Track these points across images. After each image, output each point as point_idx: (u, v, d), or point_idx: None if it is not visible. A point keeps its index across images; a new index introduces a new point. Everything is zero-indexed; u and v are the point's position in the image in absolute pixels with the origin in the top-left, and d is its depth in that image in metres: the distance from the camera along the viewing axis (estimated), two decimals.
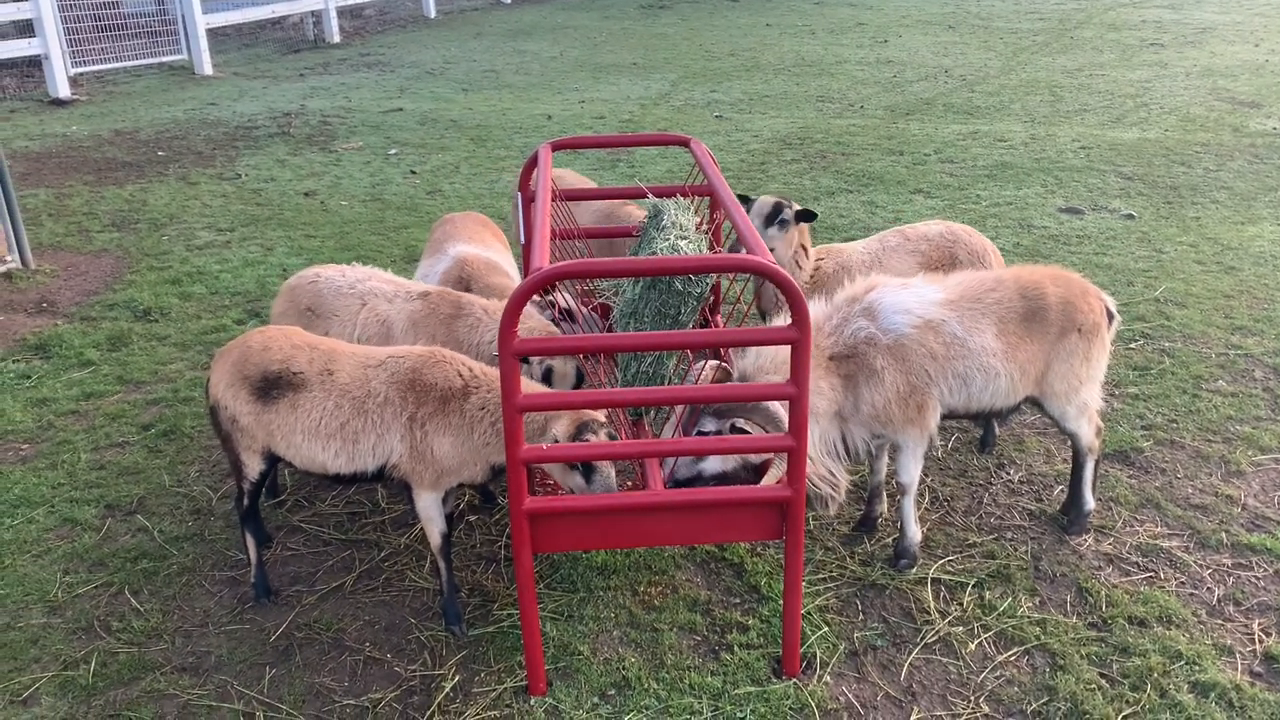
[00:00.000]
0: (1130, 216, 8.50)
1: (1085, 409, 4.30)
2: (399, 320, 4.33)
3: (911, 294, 4.13)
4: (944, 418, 4.25)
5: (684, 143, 5.32)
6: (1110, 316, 4.29)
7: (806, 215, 4.94)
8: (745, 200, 4.96)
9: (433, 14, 21.13)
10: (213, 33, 16.06)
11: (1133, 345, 6.19)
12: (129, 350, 6.38)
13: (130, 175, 10.22)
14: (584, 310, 4.63)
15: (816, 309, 4.18)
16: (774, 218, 4.88)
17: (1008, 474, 4.99)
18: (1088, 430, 4.35)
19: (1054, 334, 4.13)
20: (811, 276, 5.05)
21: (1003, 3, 22.34)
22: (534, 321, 4.12)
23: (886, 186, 9.52)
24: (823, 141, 11.21)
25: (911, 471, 4.20)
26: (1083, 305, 4.18)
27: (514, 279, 5.07)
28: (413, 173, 10.27)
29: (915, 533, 4.31)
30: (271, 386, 3.74)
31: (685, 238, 4.33)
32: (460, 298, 4.39)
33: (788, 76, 14.90)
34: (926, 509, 4.69)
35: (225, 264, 7.77)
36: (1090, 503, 4.50)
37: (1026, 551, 4.38)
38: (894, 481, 4.34)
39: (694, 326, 4.21)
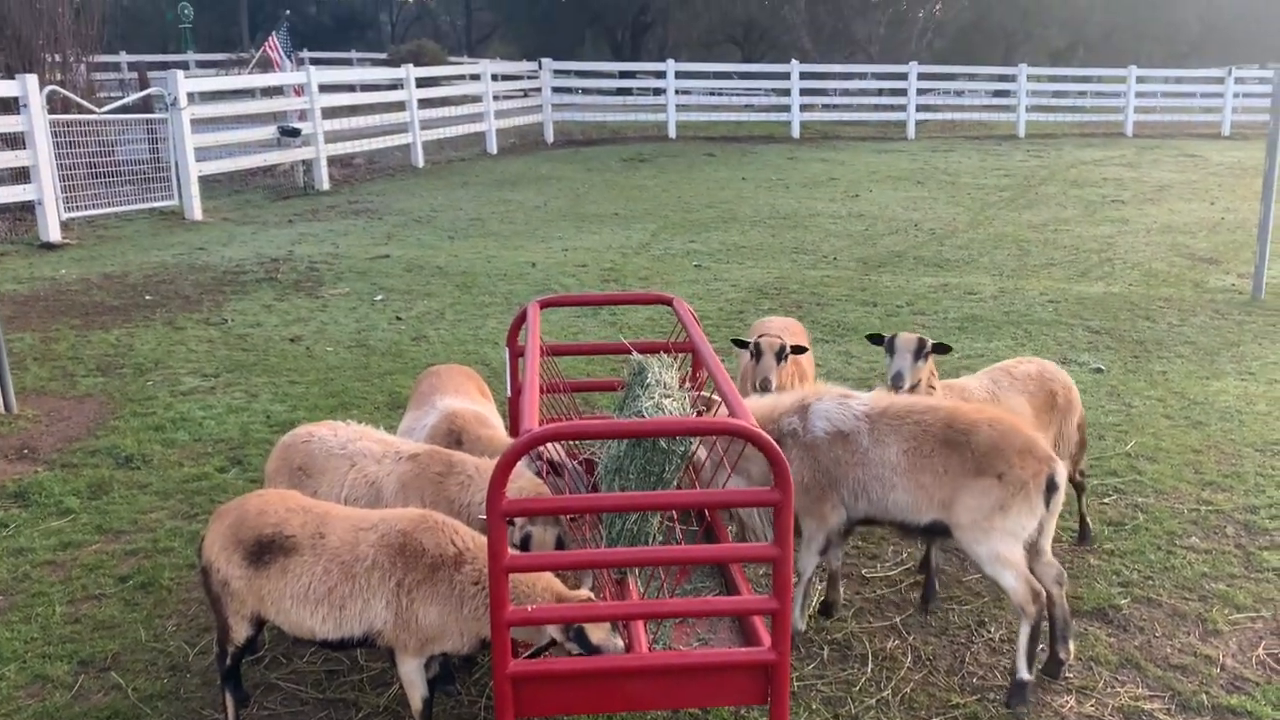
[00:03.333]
0: (1099, 370, 8.73)
1: (1001, 560, 4.36)
2: (389, 482, 4.37)
3: (838, 405, 4.67)
4: (864, 523, 4.82)
5: (667, 301, 5.51)
6: (1051, 487, 4.39)
7: (941, 349, 5.38)
8: (878, 339, 5.47)
9: (421, 164, 21.81)
10: (204, 179, 16.48)
11: (1106, 500, 6.29)
12: (109, 499, 6.36)
13: (117, 319, 10.35)
14: (570, 464, 4.70)
15: (767, 400, 4.87)
16: (920, 352, 5.28)
17: (989, 631, 5.00)
18: (1013, 585, 4.36)
19: (970, 470, 4.39)
20: None
21: (968, 159, 23.33)
22: (524, 481, 4.17)
23: (860, 338, 9.76)
24: (798, 292, 11.54)
25: (804, 561, 4.70)
26: (1013, 457, 4.37)
27: (504, 433, 5.15)
28: (398, 319, 10.45)
29: (799, 623, 4.76)
30: (264, 551, 3.76)
31: (669, 396, 4.46)
32: (451, 456, 4.45)
33: (763, 228, 15.40)
34: (909, 669, 4.69)
35: (209, 410, 7.82)
36: (1023, 673, 4.39)
37: (1010, 713, 4.36)
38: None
39: (677, 484, 4.28)
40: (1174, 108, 32.34)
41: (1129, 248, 13.87)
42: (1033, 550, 4.49)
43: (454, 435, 4.94)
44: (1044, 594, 4.40)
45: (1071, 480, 5.75)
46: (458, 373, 5.75)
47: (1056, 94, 31.29)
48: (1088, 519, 5.80)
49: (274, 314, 10.59)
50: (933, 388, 5.37)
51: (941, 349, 5.38)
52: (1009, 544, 4.37)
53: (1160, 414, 7.71)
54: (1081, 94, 31.44)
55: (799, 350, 5.79)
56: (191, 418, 7.68)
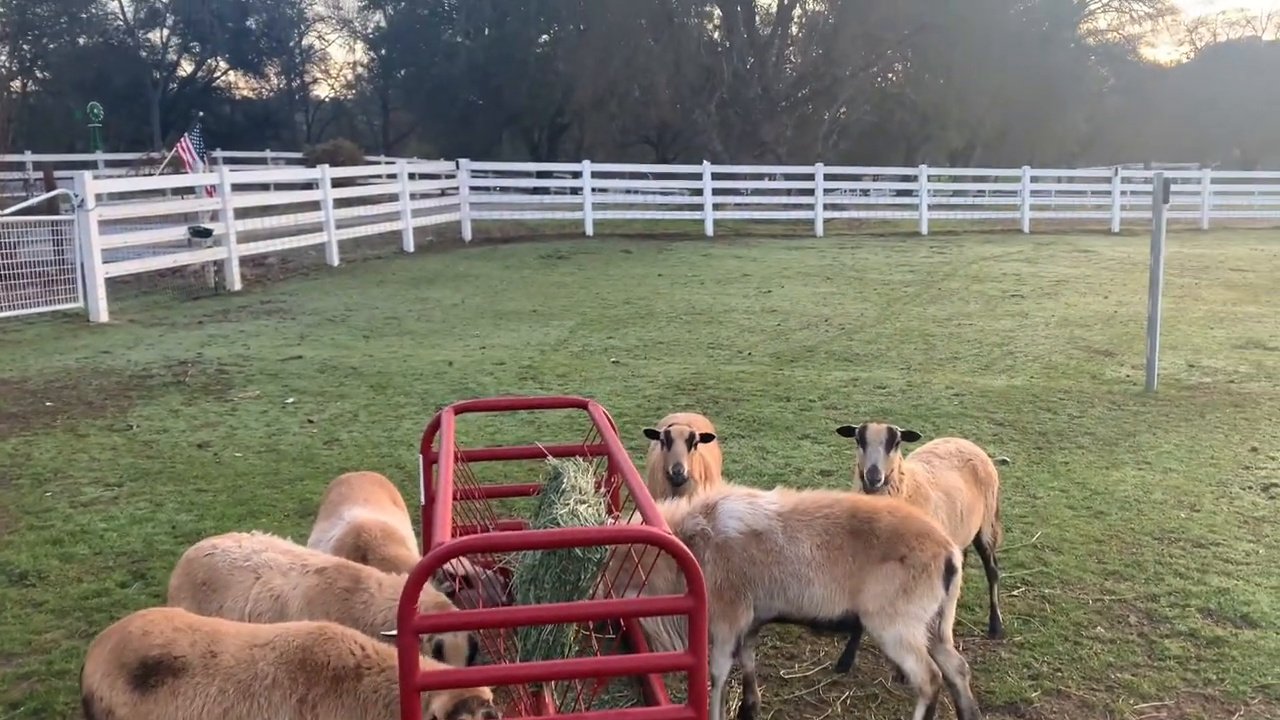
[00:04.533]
0: (1005, 462, 8.97)
1: (904, 644, 4.51)
2: (294, 596, 4.27)
3: (748, 505, 4.73)
4: (779, 621, 4.86)
5: (582, 405, 5.55)
6: (950, 569, 4.58)
7: (910, 436, 5.51)
8: (848, 431, 5.59)
9: (336, 262, 21.70)
10: (111, 281, 16.16)
11: (1015, 593, 6.42)
12: (0, 619, 6.07)
13: (15, 427, 9.99)
14: (485, 573, 4.65)
15: (666, 506, 4.77)
16: (891, 442, 5.34)
17: None
18: (914, 668, 4.52)
19: (876, 556, 4.55)
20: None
21: (875, 256, 24.10)
22: (428, 599, 4.11)
23: (776, 432, 9.90)
24: (715, 387, 11.69)
25: (719, 665, 4.65)
26: (913, 541, 4.56)
27: (411, 547, 5.08)
28: (310, 422, 10.28)
29: None
30: (151, 674, 3.63)
31: (585, 501, 4.45)
32: (360, 572, 4.37)
33: (680, 324, 15.63)
34: None
35: (111, 522, 7.55)
36: None
37: None
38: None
39: (593, 592, 4.26)
40: (1067, 205, 34.01)
41: (1029, 341, 14.40)
42: (935, 638, 4.60)
43: (360, 550, 4.85)
44: (940, 674, 4.54)
45: (987, 562, 5.94)
46: (369, 480, 5.67)
47: (956, 193, 32.73)
48: (998, 611, 5.91)
49: (181, 419, 10.34)
50: (903, 474, 5.45)
51: (910, 436, 5.52)
52: (912, 627, 4.53)
53: (1064, 504, 7.94)
54: (980, 193, 33.00)
55: (707, 438, 5.93)
56: (92, 530, 7.40)
